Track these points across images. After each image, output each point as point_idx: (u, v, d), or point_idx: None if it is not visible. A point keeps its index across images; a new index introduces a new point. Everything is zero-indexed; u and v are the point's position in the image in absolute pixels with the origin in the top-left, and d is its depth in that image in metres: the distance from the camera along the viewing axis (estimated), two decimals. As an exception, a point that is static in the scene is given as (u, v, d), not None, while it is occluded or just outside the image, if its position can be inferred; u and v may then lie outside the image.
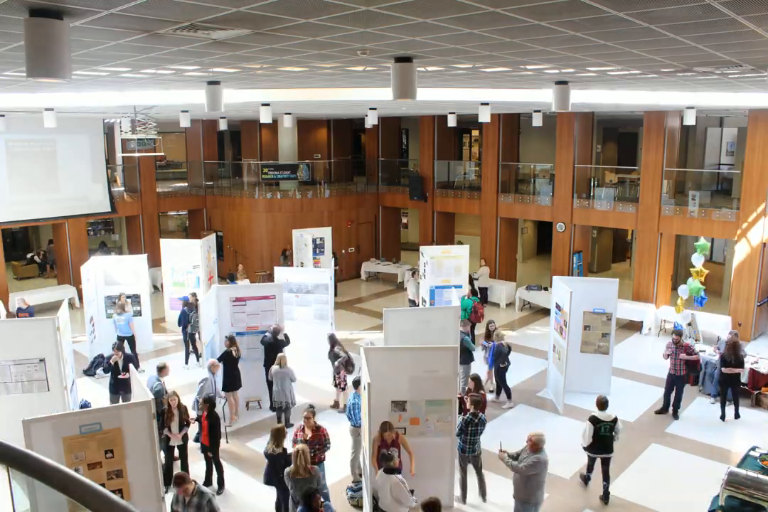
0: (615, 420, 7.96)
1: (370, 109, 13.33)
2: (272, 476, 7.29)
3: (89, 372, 12.05)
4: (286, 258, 17.39)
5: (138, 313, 13.38)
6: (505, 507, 7.60)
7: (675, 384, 10.36)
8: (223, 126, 18.38)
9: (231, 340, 9.95)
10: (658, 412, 10.51)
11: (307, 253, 16.78)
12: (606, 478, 8.05)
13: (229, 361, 9.82)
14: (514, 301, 16.77)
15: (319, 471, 6.90)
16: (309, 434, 7.51)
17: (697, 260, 12.51)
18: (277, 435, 7.30)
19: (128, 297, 13.24)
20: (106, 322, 12.78)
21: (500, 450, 7.03)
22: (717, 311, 14.32)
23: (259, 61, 5.76)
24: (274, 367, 9.50)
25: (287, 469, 6.74)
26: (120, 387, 9.78)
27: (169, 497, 6.54)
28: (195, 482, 6.26)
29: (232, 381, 9.89)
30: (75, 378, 10.12)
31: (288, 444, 7.43)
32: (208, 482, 8.22)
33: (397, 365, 7.60)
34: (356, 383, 8.37)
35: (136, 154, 15.15)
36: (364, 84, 8.47)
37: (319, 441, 7.53)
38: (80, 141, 16.90)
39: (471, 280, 15.50)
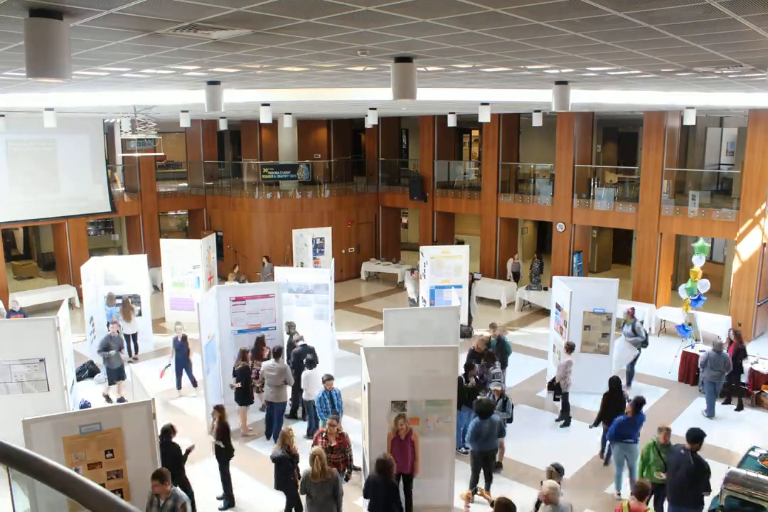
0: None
1: (370, 109, 13.33)
2: (281, 480, 7.28)
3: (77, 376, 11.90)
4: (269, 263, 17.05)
5: (138, 313, 13.39)
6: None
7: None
8: (223, 126, 18.38)
9: (244, 354, 9.86)
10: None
11: (307, 253, 16.77)
12: None
13: (245, 376, 9.74)
14: (514, 301, 16.77)
15: (338, 474, 6.76)
16: (333, 442, 7.44)
17: (698, 261, 12.49)
18: (283, 438, 7.29)
19: (128, 297, 13.28)
20: (105, 322, 12.77)
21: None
22: (717, 311, 14.32)
23: (259, 61, 5.76)
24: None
25: (305, 471, 6.62)
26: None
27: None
28: (172, 485, 6.10)
29: (246, 396, 9.81)
30: (75, 378, 10.12)
31: (304, 449, 7.46)
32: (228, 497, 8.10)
33: (397, 365, 7.60)
34: (325, 378, 8.65)
35: (136, 154, 15.14)
36: (364, 84, 8.47)
37: (343, 449, 7.48)
38: (80, 141, 16.89)
39: (471, 281, 15.50)
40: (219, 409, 8.04)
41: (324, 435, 7.51)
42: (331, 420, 7.56)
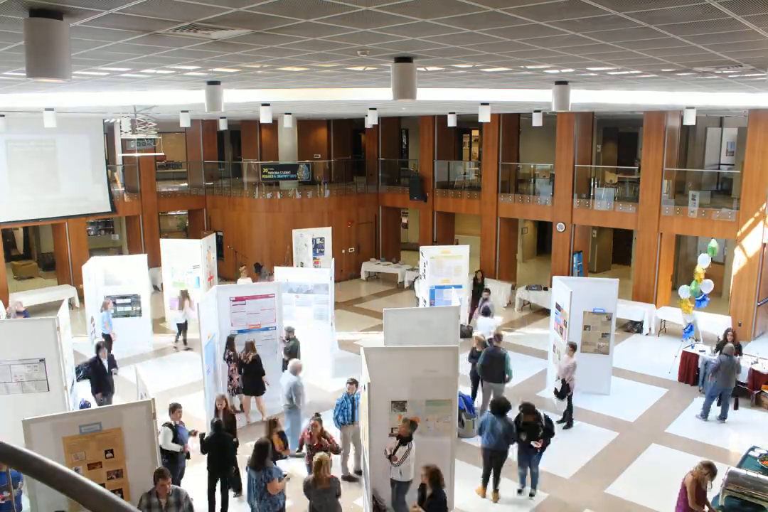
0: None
1: (370, 109, 13.33)
2: None
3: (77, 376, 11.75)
4: (260, 269, 16.53)
5: (138, 313, 13.40)
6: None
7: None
8: (223, 126, 18.38)
9: (251, 345, 9.97)
10: None
11: (307, 253, 16.77)
12: None
13: (252, 367, 9.87)
14: (514, 301, 16.77)
15: (338, 480, 6.72)
16: (316, 442, 7.50)
17: (704, 261, 12.46)
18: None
19: (128, 297, 13.29)
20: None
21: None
22: (717, 311, 14.32)
23: (259, 61, 5.76)
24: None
25: (307, 478, 6.56)
26: (103, 387, 9.76)
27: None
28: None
29: (256, 386, 9.98)
30: (75, 378, 10.11)
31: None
32: None
33: (397, 365, 7.59)
34: (351, 382, 8.49)
35: (136, 154, 15.15)
36: (364, 84, 8.47)
37: (331, 448, 7.51)
38: (80, 141, 16.89)
39: (474, 281, 15.52)
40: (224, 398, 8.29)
41: (310, 435, 7.57)
42: (314, 421, 7.60)
